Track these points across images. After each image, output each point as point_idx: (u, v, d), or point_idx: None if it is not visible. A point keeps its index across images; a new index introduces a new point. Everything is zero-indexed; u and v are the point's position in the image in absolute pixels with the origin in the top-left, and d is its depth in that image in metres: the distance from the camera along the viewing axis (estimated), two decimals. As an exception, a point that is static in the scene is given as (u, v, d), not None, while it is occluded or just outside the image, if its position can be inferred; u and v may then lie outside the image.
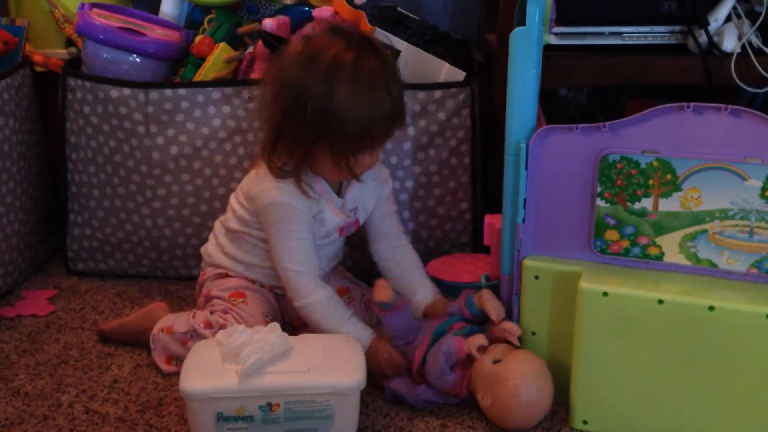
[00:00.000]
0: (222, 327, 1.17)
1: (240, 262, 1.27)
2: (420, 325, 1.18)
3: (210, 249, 1.31)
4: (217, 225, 1.31)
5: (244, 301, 1.22)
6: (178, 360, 1.21)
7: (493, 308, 1.14)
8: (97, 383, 1.20)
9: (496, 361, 1.10)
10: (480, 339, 1.11)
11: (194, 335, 1.20)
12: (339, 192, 1.24)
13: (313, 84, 1.10)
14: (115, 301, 1.45)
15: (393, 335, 1.16)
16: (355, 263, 1.48)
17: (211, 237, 1.33)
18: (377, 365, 1.15)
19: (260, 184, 1.20)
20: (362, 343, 1.13)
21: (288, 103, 1.13)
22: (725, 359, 1.00)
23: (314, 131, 1.12)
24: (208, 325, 1.20)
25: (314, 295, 1.17)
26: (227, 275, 1.27)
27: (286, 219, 1.18)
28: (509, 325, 1.13)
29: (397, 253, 1.30)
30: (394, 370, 1.15)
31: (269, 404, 1.03)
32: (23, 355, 1.27)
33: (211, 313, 1.22)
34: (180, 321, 1.23)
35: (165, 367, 1.22)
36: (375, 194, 1.27)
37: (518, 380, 1.07)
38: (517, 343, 1.12)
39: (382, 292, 1.15)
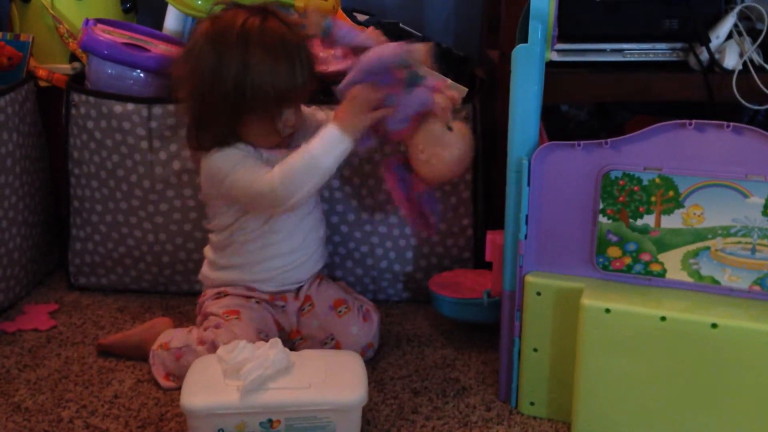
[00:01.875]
0: (212, 342, 1.18)
1: (238, 268, 1.27)
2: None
3: (206, 271, 1.32)
4: (206, 249, 1.33)
5: (237, 318, 1.22)
6: (175, 376, 1.21)
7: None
8: (97, 398, 1.20)
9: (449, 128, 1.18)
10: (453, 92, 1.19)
11: (187, 351, 1.20)
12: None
13: (227, 58, 1.14)
14: (116, 316, 1.45)
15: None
16: (348, 271, 1.48)
17: (204, 262, 1.34)
18: (366, 121, 1.15)
19: (205, 164, 1.22)
20: (334, 132, 1.13)
21: (204, 83, 1.15)
22: (728, 376, 1.00)
23: (237, 103, 1.15)
24: (201, 341, 1.20)
25: (274, 172, 1.15)
26: (226, 294, 1.27)
27: (228, 160, 1.19)
28: (453, 92, 1.19)
29: None
30: (373, 115, 1.15)
31: (270, 420, 1.02)
32: (24, 370, 1.27)
33: (205, 329, 1.22)
34: (176, 337, 1.24)
35: (164, 383, 1.22)
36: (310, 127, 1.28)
37: (462, 150, 1.18)
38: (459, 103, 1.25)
39: (313, 22, 1.18)
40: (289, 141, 1.25)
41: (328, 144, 1.14)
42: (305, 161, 1.14)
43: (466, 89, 1.41)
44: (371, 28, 1.23)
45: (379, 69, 1.15)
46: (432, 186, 1.23)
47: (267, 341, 1.16)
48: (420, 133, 1.18)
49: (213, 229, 1.30)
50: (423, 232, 1.29)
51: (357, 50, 1.42)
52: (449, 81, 1.24)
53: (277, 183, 1.14)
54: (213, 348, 1.17)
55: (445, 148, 1.17)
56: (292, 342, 1.29)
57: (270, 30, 1.15)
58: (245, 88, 1.14)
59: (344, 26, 1.20)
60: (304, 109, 1.28)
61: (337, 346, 1.26)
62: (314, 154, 1.14)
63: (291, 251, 1.27)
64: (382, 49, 1.15)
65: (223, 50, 1.14)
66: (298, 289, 1.31)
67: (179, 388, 1.10)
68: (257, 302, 1.27)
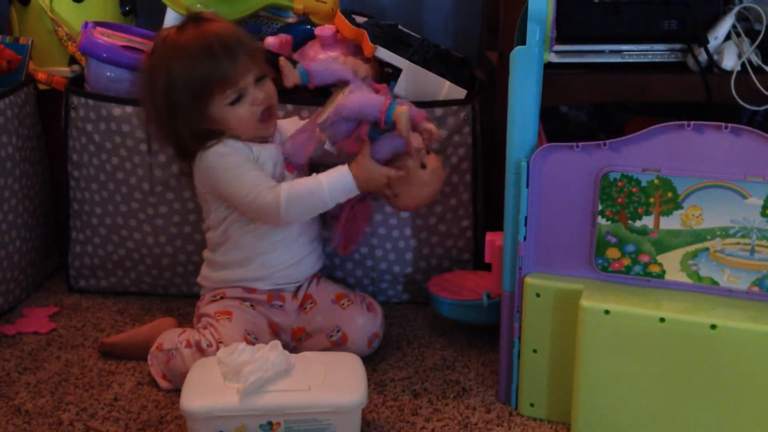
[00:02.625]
0: (197, 343, 1.19)
1: (236, 266, 1.28)
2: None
3: (205, 272, 1.33)
4: (205, 251, 1.34)
5: (228, 318, 1.23)
6: (170, 379, 1.22)
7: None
8: (98, 401, 1.20)
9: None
10: (410, 110, 1.19)
11: (175, 354, 1.20)
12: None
13: (154, 70, 1.21)
14: (116, 318, 1.45)
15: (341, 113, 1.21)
16: (357, 281, 1.48)
17: (203, 265, 1.34)
18: (379, 183, 1.20)
19: (200, 163, 1.24)
20: (348, 181, 1.18)
21: (151, 99, 1.22)
22: (727, 378, 1.00)
23: (177, 104, 1.20)
24: (189, 344, 1.20)
25: (281, 195, 1.18)
26: (223, 297, 1.28)
27: (226, 161, 1.21)
28: (430, 125, 1.21)
29: None
30: (387, 175, 1.20)
31: (270, 423, 1.02)
32: (24, 372, 1.27)
33: (197, 330, 1.23)
34: (168, 338, 1.24)
35: (162, 383, 1.23)
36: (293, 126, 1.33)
37: (433, 188, 1.24)
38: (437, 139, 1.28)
39: (288, 75, 1.22)
40: (272, 134, 1.28)
41: (339, 190, 1.19)
42: (313, 194, 1.19)
43: (465, 91, 1.42)
44: (350, 58, 1.27)
45: (357, 118, 1.19)
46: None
47: (254, 344, 1.17)
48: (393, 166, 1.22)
49: (209, 226, 1.31)
50: (339, 246, 1.33)
51: (355, 51, 1.43)
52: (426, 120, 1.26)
53: (282, 205, 1.18)
54: (198, 350, 1.18)
55: (414, 186, 1.23)
56: (297, 340, 1.29)
57: (185, 33, 1.21)
58: (176, 89, 1.19)
59: (320, 67, 1.23)
60: (292, 120, 1.33)
61: (343, 338, 1.26)
62: (324, 193, 1.18)
63: (287, 243, 1.28)
64: (365, 100, 1.18)
65: (154, 73, 1.21)
66: (297, 289, 1.31)
67: (177, 389, 1.10)
68: (252, 305, 1.27)
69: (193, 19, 1.24)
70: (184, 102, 1.20)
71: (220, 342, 1.18)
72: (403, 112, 1.16)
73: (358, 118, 1.19)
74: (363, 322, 1.28)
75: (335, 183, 1.18)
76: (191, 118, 1.21)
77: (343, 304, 1.29)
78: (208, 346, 1.18)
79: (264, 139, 1.27)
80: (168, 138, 1.26)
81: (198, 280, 1.35)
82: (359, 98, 1.19)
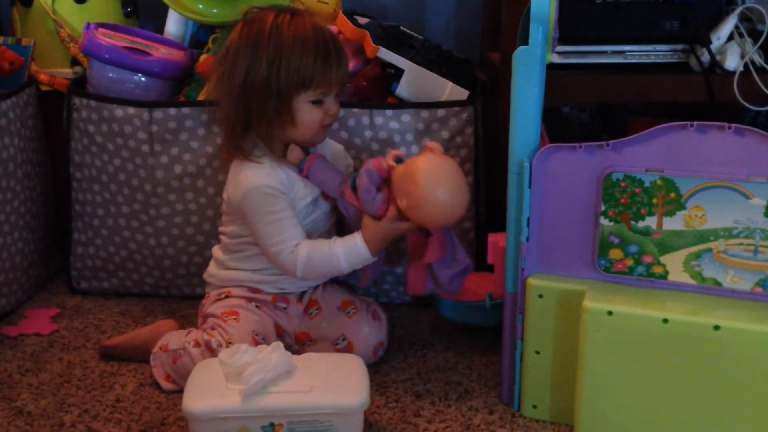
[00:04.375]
0: (207, 343, 1.18)
1: (245, 270, 1.28)
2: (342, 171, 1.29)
3: (212, 270, 1.33)
4: (215, 249, 1.34)
5: (235, 319, 1.22)
6: (174, 379, 1.22)
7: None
8: (99, 402, 1.19)
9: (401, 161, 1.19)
10: (395, 151, 1.21)
11: (183, 353, 1.20)
12: None
13: (261, 50, 1.18)
14: (118, 319, 1.45)
15: (323, 187, 1.25)
16: (350, 274, 1.47)
17: (211, 262, 1.34)
18: (391, 241, 1.21)
19: (236, 177, 1.24)
20: (362, 248, 1.20)
21: (242, 79, 1.19)
22: (730, 378, 1.00)
23: (273, 90, 1.19)
24: (197, 343, 1.20)
25: (298, 259, 1.20)
26: (228, 296, 1.27)
27: (264, 202, 1.21)
28: (432, 143, 1.21)
29: None
30: (402, 231, 1.20)
31: (272, 424, 1.02)
32: (26, 374, 1.27)
33: (204, 331, 1.23)
34: (174, 339, 1.24)
35: (164, 384, 1.23)
36: (341, 162, 1.35)
37: (422, 171, 1.15)
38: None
39: (292, 154, 1.24)
40: (321, 141, 1.29)
41: (355, 257, 1.21)
42: (329, 262, 1.21)
43: (467, 92, 1.42)
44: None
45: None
46: (442, 229, 1.21)
47: (263, 343, 1.17)
48: (390, 192, 1.20)
49: (226, 233, 1.30)
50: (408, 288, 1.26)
51: (357, 52, 1.43)
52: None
53: (299, 267, 1.20)
54: (207, 349, 1.18)
55: (407, 179, 1.16)
56: (301, 344, 1.29)
57: (300, 20, 1.21)
58: (279, 70, 1.18)
59: (317, 165, 1.25)
60: (336, 145, 1.35)
61: (348, 346, 1.26)
62: (341, 262, 1.20)
63: None
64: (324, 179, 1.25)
65: (258, 43, 1.19)
66: (302, 293, 1.31)
67: (179, 391, 1.10)
68: (258, 306, 1.27)
69: (290, 10, 1.23)
70: (285, 82, 1.19)
71: (230, 342, 1.18)
72: (359, 177, 1.19)
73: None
74: (368, 330, 1.27)
75: (350, 252, 1.20)
76: (273, 99, 1.20)
77: (348, 312, 1.29)
78: (218, 345, 1.18)
79: (306, 151, 1.28)
80: (235, 112, 1.22)
81: (204, 277, 1.34)
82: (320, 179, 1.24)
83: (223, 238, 1.31)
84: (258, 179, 1.21)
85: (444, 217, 1.16)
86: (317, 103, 1.22)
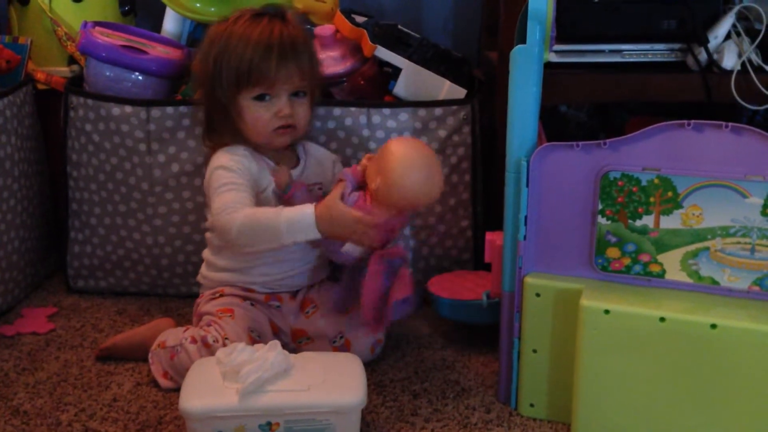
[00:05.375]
0: (202, 339, 1.18)
1: (234, 271, 1.28)
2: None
3: (204, 272, 1.33)
4: (205, 252, 1.34)
5: (230, 316, 1.22)
6: (172, 376, 1.22)
7: None
8: (96, 402, 1.19)
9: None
10: (369, 154, 1.23)
11: (180, 350, 1.20)
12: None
13: (215, 46, 1.23)
14: (115, 319, 1.45)
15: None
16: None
17: (203, 264, 1.34)
18: (343, 229, 1.14)
19: (209, 167, 1.26)
20: (309, 218, 1.13)
21: (205, 77, 1.25)
22: (727, 377, 1.00)
23: (220, 83, 1.22)
24: (194, 339, 1.20)
25: (238, 217, 1.16)
26: (222, 295, 1.27)
27: (222, 176, 1.21)
28: (362, 163, 1.22)
29: None
30: (359, 222, 1.13)
31: (269, 423, 1.02)
32: (22, 373, 1.27)
33: (200, 328, 1.23)
34: (171, 336, 1.24)
35: (163, 381, 1.22)
36: (328, 177, 1.34)
37: (397, 152, 1.15)
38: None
39: (278, 173, 1.23)
40: (303, 163, 1.30)
41: (298, 227, 1.14)
42: (270, 226, 1.14)
43: (464, 91, 1.42)
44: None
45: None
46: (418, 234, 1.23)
47: (258, 341, 1.16)
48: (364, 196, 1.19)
49: (208, 227, 1.31)
50: (369, 326, 1.20)
51: (355, 51, 1.43)
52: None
53: (235, 227, 1.16)
54: (204, 345, 1.18)
55: (380, 162, 1.16)
56: (297, 342, 1.29)
57: (262, 21, 1.23)
58: (221, 67, 1.22)
59: (299, 190, 1.23)
60: (327, 154, 1.35)
61: (346, 344, 1.26)
62: (281, 227, 1.14)
63: (289, 257, 1.28)
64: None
65: (212, 42, 1.24)
66: (296, 291, 1.31)
67: (177, 388, 1.10)
68: (252, 304, 1.27)
69: (274, 13, 1.25)
70: (226, 78, 1.22)
71: (226, 338, 1.17)
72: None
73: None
74: (365, 328, 1.27)
75: (297, 221, 1.14)
76: (220, 96, 1.24)
77: (346, 309, 1.29)
78: (214, 341, 1.17)
79: (278, 152, 1.28)
80: (206, 118, 1.29)
81: (197, 279, 1.35)
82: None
83: (207, 235, 1.32)
84: (221, 160, 1.23)
85: (415, 199, 1.16)
86: (260, 99, 1.23)
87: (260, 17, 1.24)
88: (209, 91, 1.25)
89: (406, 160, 1.15)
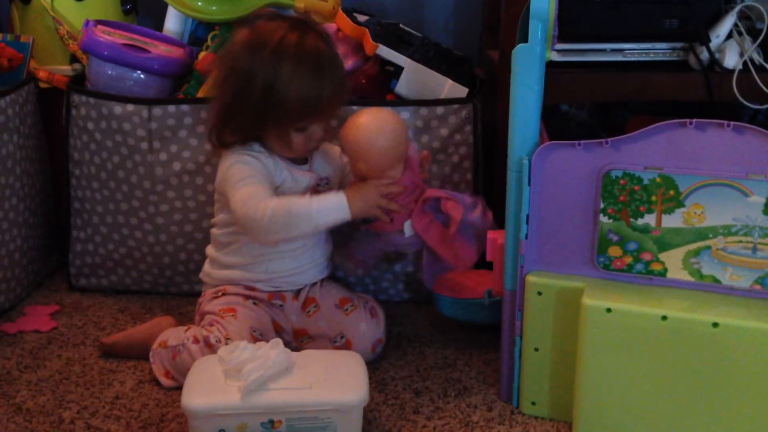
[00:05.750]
0: (205, 339, 1.18)
1: (238, 268, 1.28)
2: None
3: (207, 269, 1.33)
4: (209, 248, 1.34)
5: (233, 315, 1.22)
6: (173, 376, 1.22)
7: None
8: (98, 399, 1.20)
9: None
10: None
11: (182, 349, 1.20)
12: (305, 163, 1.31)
13: (260, 65, 1.18)
14: (117, 317, 1.45)
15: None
16: (358, 280, 1.48)
17: (206, 261, 1.34)
18: (372, 206, 1.20)
19: (223, 163, 1.24)
20: (342, 203, 1.18)
21: (237, 85, 1.20)
22: (729, 376, 1.00)
23: (264, 109, 1.19)
24: (196, 339, 1.20)
25: (269, 204, 1.17)
26: (224, 293, 1.27)
27: (241, 171, 1.21)
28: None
29: None
30: (382, 197, 1.20)
31: (271, 421, 1.02)
32: (25, 371, 1.27)
33: (202, 327, 1.23)
34: (173, 335, 1.24)
35: (164, 380, 1.23)
36: (336, 169, 1.35)
37: (340, 137, 1.24)
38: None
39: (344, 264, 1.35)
40: (310, 158, 1.30)
41: (331, 210, 1.18)
42: (302, 212, 1.17)
43: (466, 89, 1.42)
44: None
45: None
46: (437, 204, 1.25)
47: (261, 340, 1.17)
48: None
49: (216, 223, 1.31)
50: (460, 264, 1.27)
51: (356, 50, 1.43)
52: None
53: (267, 216, 1.16)
54: (206, 345, 1.18)
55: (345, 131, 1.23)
56: (299, 341, 1.29)
57: (306, 45, 1.19)
58: (272, 95, 1.18)
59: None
60: (332, 147, 1.34)
61: (347, 344, 1.26)
62: (313, 211, 1.17)
63: (296, 253, 1.28)
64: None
65: (258, 57, 1.18)
66: (299, 290, 1.31)
67: (179, 387, 1.10)
68: (255, 303, 1.27)
69: (310, 27, 1.22)
70: (276, 106, 1.18)
71: (228, 339, 1.18)
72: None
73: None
74: (366, 328, 1.28)
75: (329, 204, 1.18)
76: (258, 123, 1.21)
77: (346, 309, 1.29)
78: (217, 341, 1.17)
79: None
80: (223, 120, 1.24)
81: (200, 276, 1.35)
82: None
83: (213, 231, 1.32)
84: (238, 156, 1.23)
85: (378, 156, 1.22)
86: (302, 130, 1.23)
87: (303, 35, 1.20)
88: (242, 104, 1.20)
89: (344, 134, 1.23)
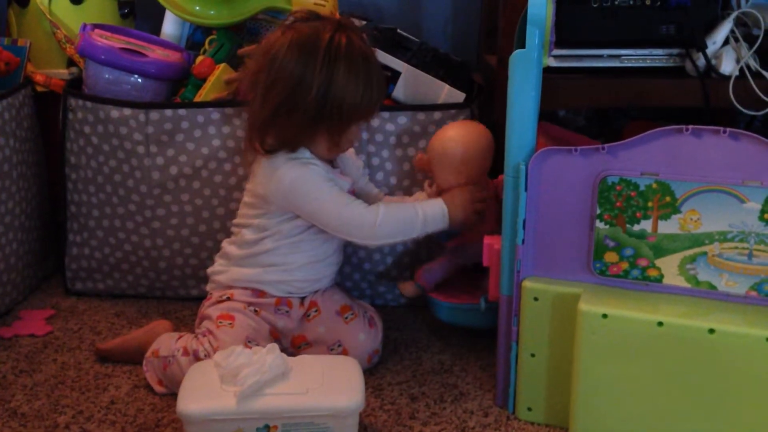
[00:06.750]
0: (195, 353, 1.19)
1: (256, 268, 1.26)
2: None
3: (219, 267, 1.31)
4: (227, 245, 1.31)
5: (230, 324, 1.22)
6: (166, 385, 1.22)
7: None
8: (94, 404, 1.19)
9: None
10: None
11: (172, 361, 1.20)
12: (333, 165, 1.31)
13: (313, 69, 1.17)
14: (113, 321, 1.45)
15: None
16: (354, 285, 1.48)
17: (218, 259, 1.32)
18: (470, 212, 1.25)
19: (273, 173, 1.23)
20: (444, 211, 1.23)
21: (288, 90, 1.18)
22: (725, 382, 1.00)
23: (314, 114, 1.18)
24: (186, 352, 1.20)
25: (379, 210, 1.22)
26: (229, 299, 1.27)
27: (312, 182, 1.22)
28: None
29: (383, 201, 1.38)
30: (477, 202, 1.26)
31: (267, 426, 1.02)
32: (20, 375, 1.27)
33: (197, 335, 1.22)
34: (165, 344, 1.24)
35: (158, 388, 1.22)
36: (355, 167, 1.37)
37: (429, 149, 1.30)
38: None
39: (407, 289, 1.34)
40: (335, 161, 1.31)
41: (437, 218, 1.24)
42: (409, 219, 1.23)
43: (463, 95, 1.42)
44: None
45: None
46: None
47: (255, 349, 1.16)
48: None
49: (251, 225, 1.27)
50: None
51: None
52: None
53: (379, 222, 1.21)
54: (195, 359, 1.18)
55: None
56: (296, 348, 1.29)
57: (356, 48, 1.20)
58: (328, 98, 1.18)
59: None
60: (350, 150, 1.36)
61: (344, 353, 1.26)
62: (418, 220, 1.23)
63: (316, 265, 1.28)
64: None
65: (310, 61, 1.17)
66: (303, 297, 1.30)
67: (173, 393, 1.10)
68: (256, 311, 1.26)
69: (350, 28, 1.22)
70: (314, 112, 1.18)
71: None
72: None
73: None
74: (364, 338, 1.27)
75: (429, 210, 1.23)
76: (308, 127, 1.20)
77: (346, 317, 1.29)
78: (205, 356, 1.17)
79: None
80: (267, 126, 1.21)
81: (209, 272, 1.32)
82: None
83: (244, 232, 1.28)
84: (300, 167, 1.22)
85: (464, 162, 1.28)
86: (346, 132, 1.24)
87: (349, 36, 1.19)
88: (292, 109, 1.19)
89: (441, 147, 1.28)
